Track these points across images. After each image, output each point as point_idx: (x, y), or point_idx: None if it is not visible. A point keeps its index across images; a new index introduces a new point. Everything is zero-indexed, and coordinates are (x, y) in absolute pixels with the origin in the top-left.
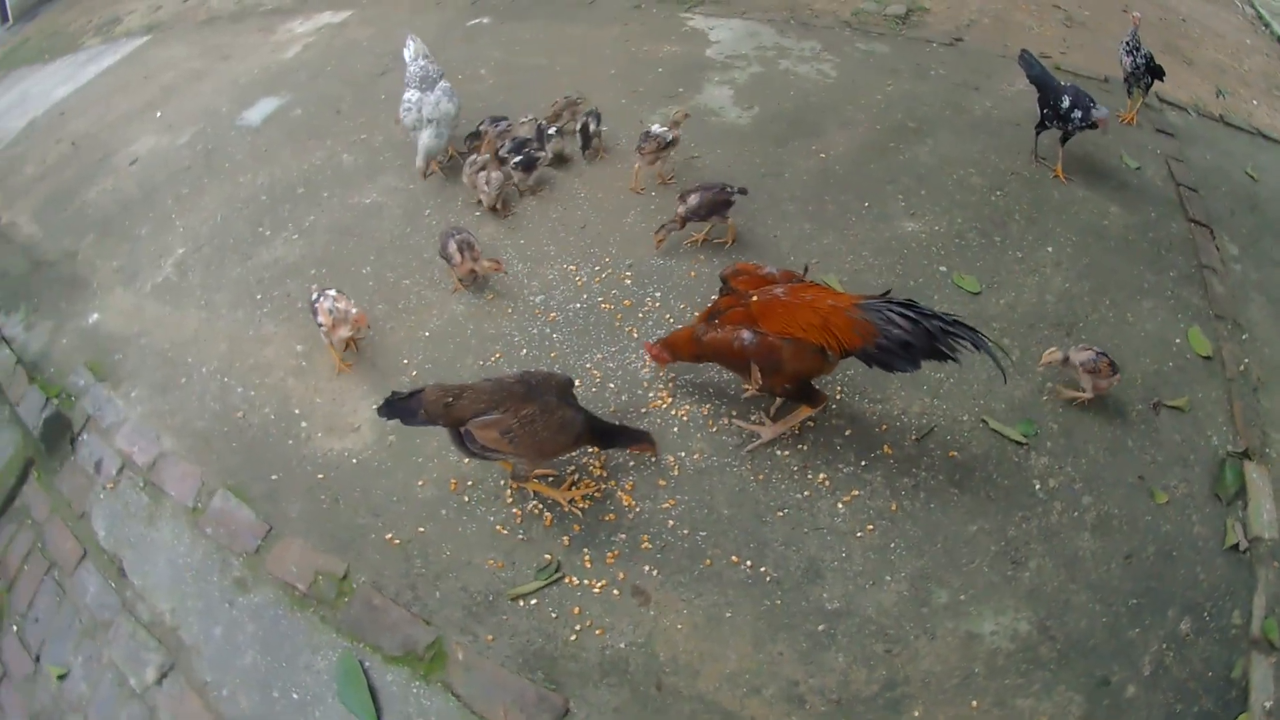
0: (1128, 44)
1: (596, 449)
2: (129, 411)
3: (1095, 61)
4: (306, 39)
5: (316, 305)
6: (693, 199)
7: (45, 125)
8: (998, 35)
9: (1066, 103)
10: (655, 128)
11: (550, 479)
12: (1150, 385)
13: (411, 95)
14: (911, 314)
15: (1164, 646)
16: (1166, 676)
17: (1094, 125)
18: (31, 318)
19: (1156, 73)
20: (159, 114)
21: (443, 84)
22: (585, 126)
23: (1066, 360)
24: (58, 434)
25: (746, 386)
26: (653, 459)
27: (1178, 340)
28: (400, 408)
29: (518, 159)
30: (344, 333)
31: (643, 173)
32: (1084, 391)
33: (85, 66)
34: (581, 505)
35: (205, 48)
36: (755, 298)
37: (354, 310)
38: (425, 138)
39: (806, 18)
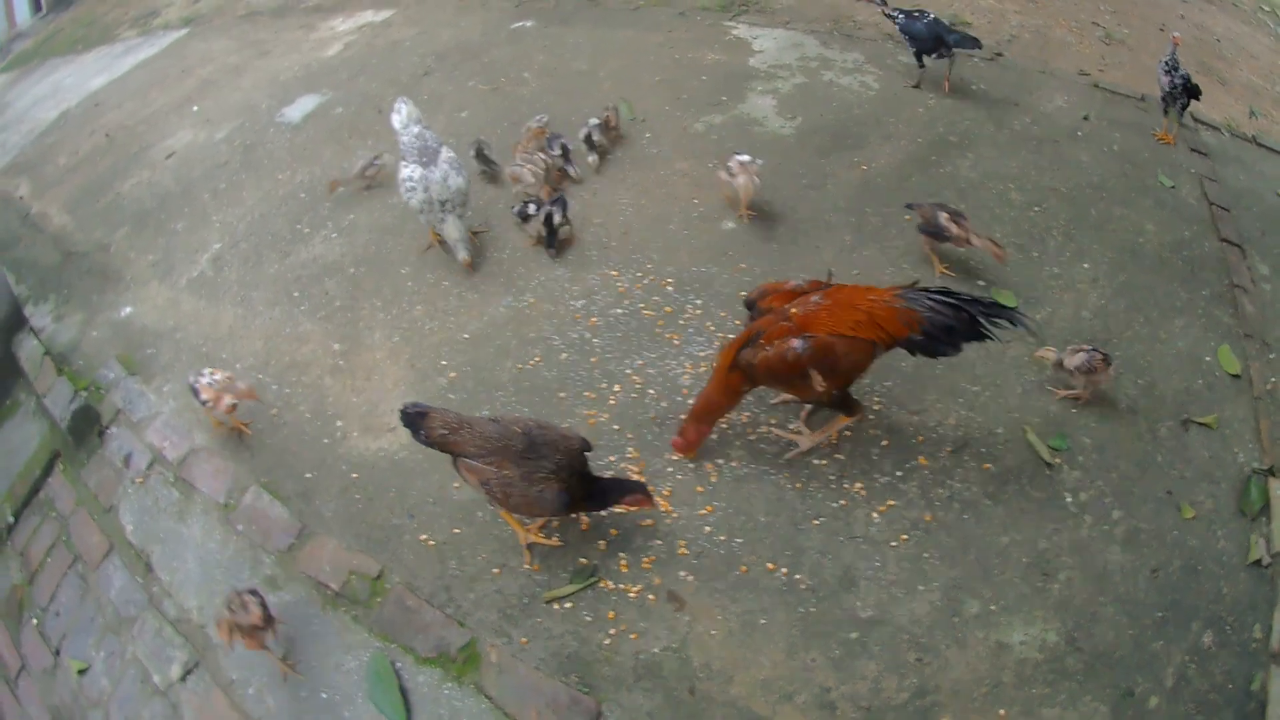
0: (1166, 63)
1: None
2: (161, 406)
3: (1133, 79)
4: (348, 37)
5: (196, 385)
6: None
7: (79, 116)
8: (1038, 51)
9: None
10: (742, 157)
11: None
12: (1180, 402)
13: (412, 172)
14: (951, 299)
15: (1186, 659)
16: (1188, 688)
17: (974, 43)
18: (61, 309)
19: (1194, 92)
20: (196, 108)
21: (446, 154)
22: (565, 151)
23: (1060, 364)
24: (86, 426)
25: (782, 396)
26: (647, 512)
27: (1208, 358)
28: (410, 420)
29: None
30: (227, 401)
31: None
32: (1079, 390)
33: (121, 58)
34: (538, 541)
35: (245, 43)
36: (794, 310)
37: (241, 384)
38: (451, 230)
39: (849, 29)
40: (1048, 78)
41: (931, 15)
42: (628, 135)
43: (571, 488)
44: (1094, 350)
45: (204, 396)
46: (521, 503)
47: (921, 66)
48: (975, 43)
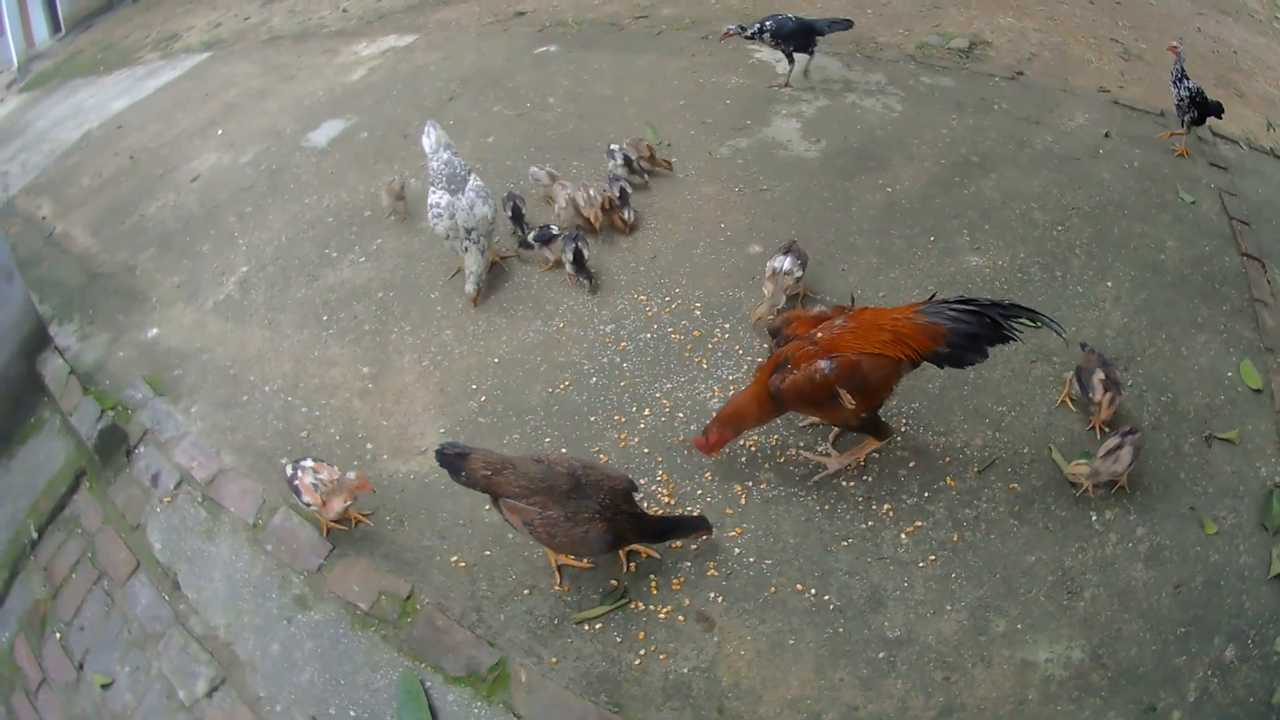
0: (1174, 75)
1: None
2: (189, 426)
3: (1152, 95)
4: (372, 62)
5: (296, 484)
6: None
7: (102, 138)
8: (1058, 69)
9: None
10: (783, 262)
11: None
12: (1203, 418)
13: (440, 198)
14: (973, 307)
15: (1209, 673)
16: (1210, 702)
17: (847, 24)
18: (86, 329)
19: (1206, 108)
20: (220, 131)
21: (474, 183)
22: (624, 194)
23: (1096, 472)
24: (113, 446)
25: (811, 419)
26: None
27: (1229, 373)
28: (449, 461)
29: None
30: (338, 506)
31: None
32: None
33: (144, 81)
34: (568, 563)
35: (268, 67)
36: (820, 334)
37: (351, 475)
38: (472, 262)
39: (871, 50)
40: (1068, 95)
41: (792, 15)
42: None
43: (618, 527)
44: (1126, 434)
45: (306, 499)
46: (566, 543)
47: (791, 63)
48: (848, 23)
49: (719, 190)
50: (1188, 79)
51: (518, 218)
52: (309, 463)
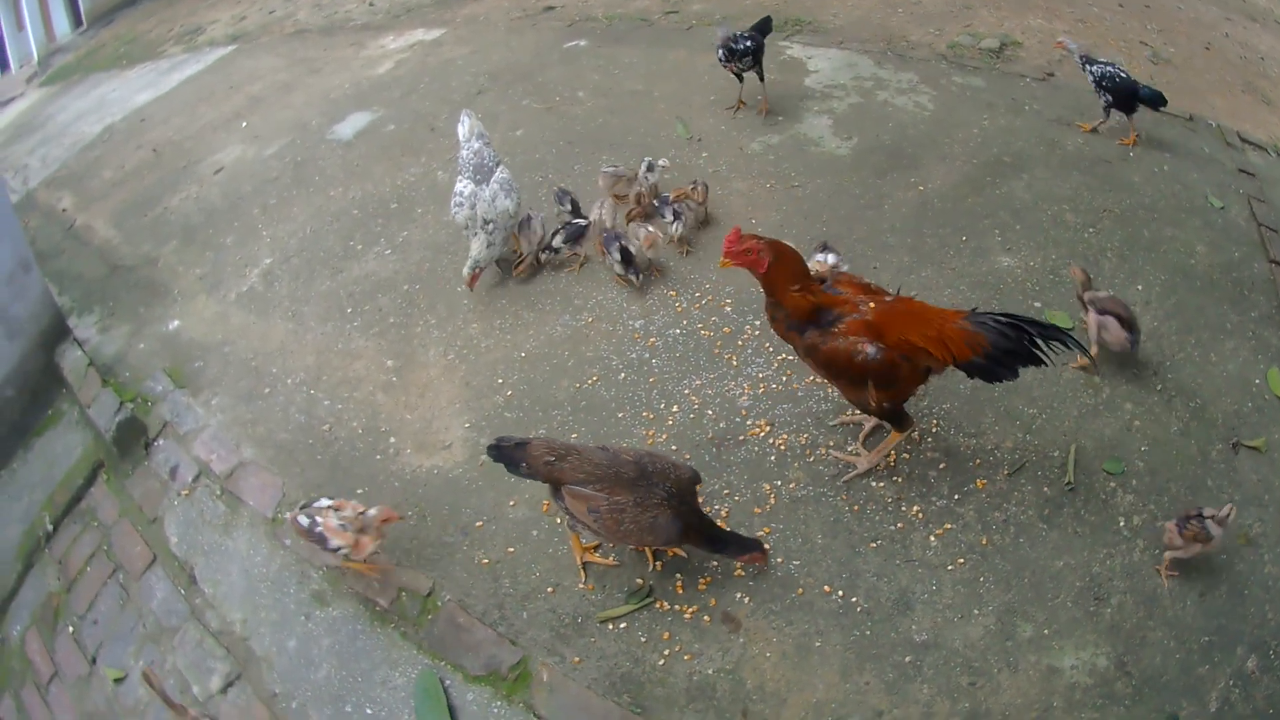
0: (1080, 62)
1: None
2: (209, 419)
3: (1180, 99)
4: (399, 55)
5: (319, 531)
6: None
7: (125, 131)
8: None
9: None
10: (827, 256)
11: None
12: (1230, 425)
13: (464, 187)
14: (1015, 322)
15: (1230, 683)
16: (1231, 713)
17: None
18: (107, 321)
19: (1135, 95)
20: (245, 124)
21: (500, 175)
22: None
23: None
24: (131, 438)
25: (845, 416)
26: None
27: (1257, 381)
28: (506, 454)
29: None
30: (370, 546)
31: None
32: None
33: (168, 74)
34: (593, 560)
35: (293, 60)
36: (873, 304)
37: (373, 511)
38: (476, 247)
39: (902, 49)
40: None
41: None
42: (683, 155)
43: (684, 517)
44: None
45: (336, 544)
46: (634, 529)
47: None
48: (768, 23)
49: (750, 186)
50: (1094, 63)
51: (576, 212)
52: (324, 501)
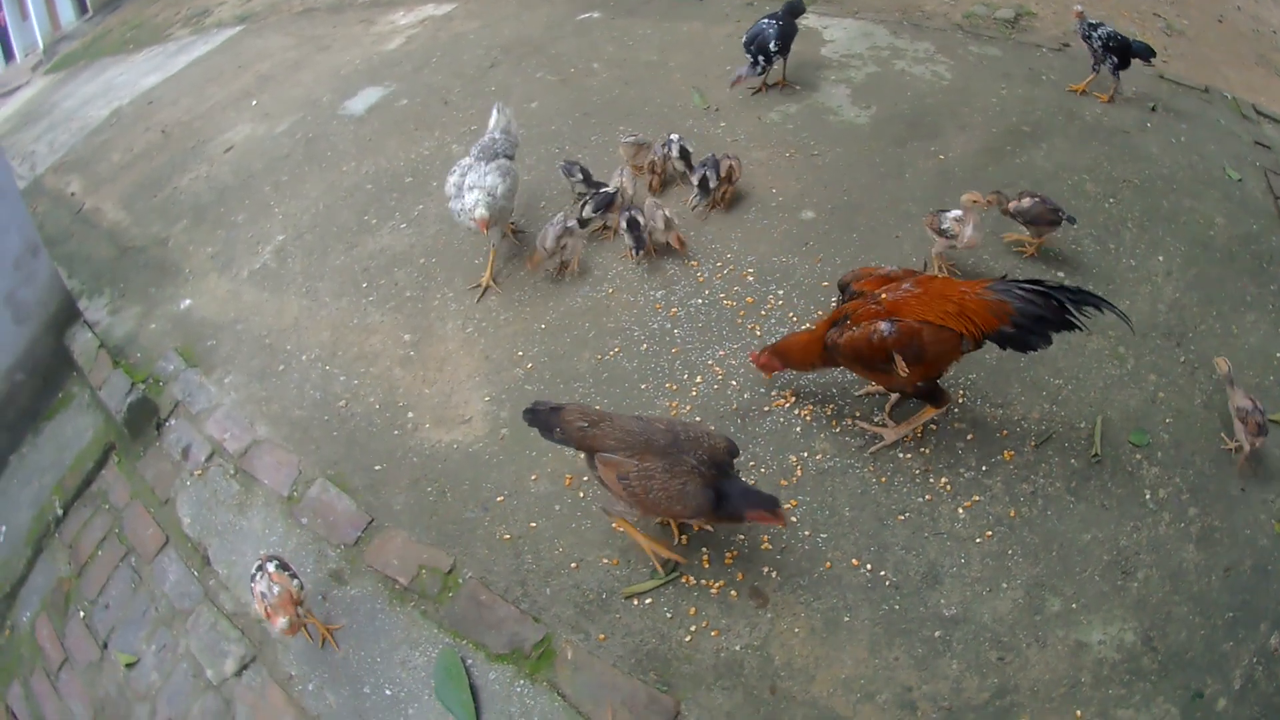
0: (1081, 32)
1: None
2: (222, 398)
3: (1195, 71)
4: (410, 30)
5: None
6: (1026, 201)
7: (132, 114)
8: None
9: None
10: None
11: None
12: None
13: (463, 162)
14: (1041, 288)
15: (1254, 660)
16: (1255, 690)
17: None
18: (117, 302)
19: (1128, 50)
20: (255, 102)
21: (501, 161)
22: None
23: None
24: (143, 419)
25: (871, 388)
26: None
27: (1278, 354)
28: (542, 418)
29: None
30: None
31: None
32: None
33: (175, 56)
34: (664, 553)
35: (302, 38)
36: (885, 295)
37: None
38: (454, 205)
39: (918, 19)
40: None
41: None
42: (700, 125)
43: (716, 487)
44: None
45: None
46: (662, 497)
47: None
48: (799, 4)
49: (769, 155)
50: (1097, 27)
51: (589, 180)
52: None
